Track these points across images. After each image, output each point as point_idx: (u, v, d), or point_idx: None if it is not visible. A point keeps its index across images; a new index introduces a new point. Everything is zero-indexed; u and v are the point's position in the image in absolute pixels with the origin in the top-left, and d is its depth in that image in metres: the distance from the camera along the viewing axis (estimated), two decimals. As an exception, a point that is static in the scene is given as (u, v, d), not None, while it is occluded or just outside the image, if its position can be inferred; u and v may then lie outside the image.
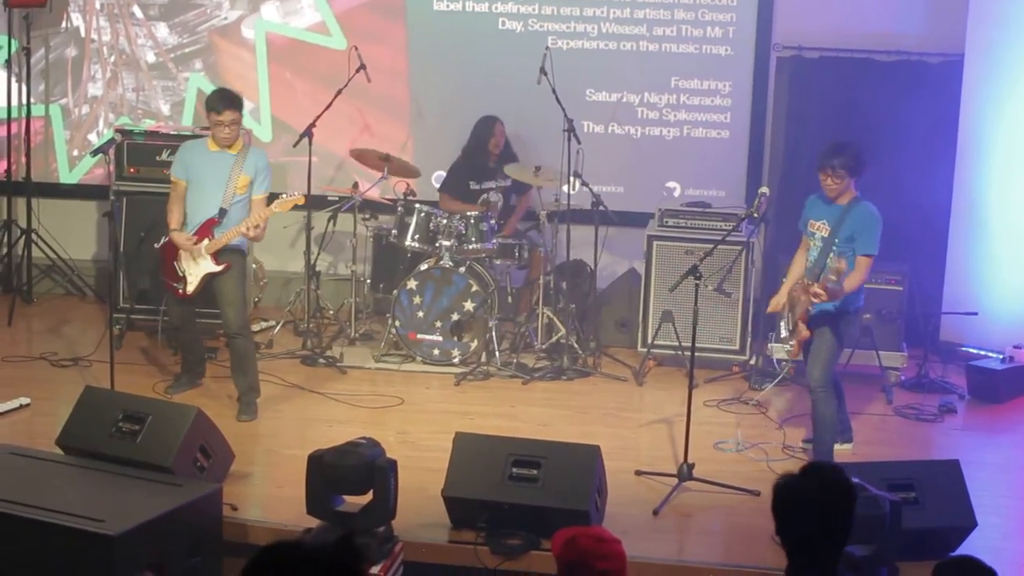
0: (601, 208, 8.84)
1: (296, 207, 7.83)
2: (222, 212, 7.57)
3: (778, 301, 7.10)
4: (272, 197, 7.79)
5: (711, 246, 7.32)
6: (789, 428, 7.77)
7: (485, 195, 9.12)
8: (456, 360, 8.71)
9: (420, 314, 8.72)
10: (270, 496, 6.61)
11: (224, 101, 7.57)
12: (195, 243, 7.58)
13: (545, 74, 8.69)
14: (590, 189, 8.80)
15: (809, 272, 6.97)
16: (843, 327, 7.00)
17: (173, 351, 8.60)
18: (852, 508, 3.95)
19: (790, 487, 3.99)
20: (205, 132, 8.23)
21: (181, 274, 7.67)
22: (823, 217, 6.98)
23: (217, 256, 7.59)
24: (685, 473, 6.75)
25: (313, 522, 5.92)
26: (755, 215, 6.73)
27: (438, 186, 9.67)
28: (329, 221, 9.21)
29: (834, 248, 6.87)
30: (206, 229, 7.59)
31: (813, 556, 3.93)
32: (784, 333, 7.14)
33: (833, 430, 7.07)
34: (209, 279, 7.63)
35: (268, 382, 8.24)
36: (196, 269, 7.63)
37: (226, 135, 7.57)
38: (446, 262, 8.68)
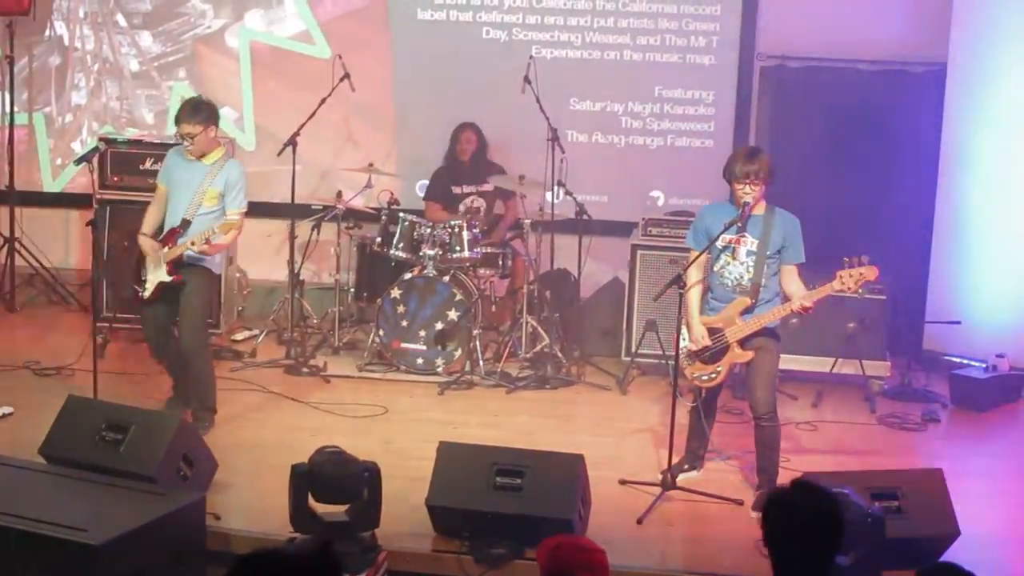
0: (585, 217, 8.85)
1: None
2: (185, 223, 7.40)
3: (703, 334, 6.75)
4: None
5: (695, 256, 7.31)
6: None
7: (468, 200, 9.15)
8: (440, 369, 8.70)
9: (404, 323, 8.71)
10: (253, 505, 6.58)
11: (184, 112, 7.42)
12: (156, 249, 7.47)
13: (529, 83, 8.71)
14: (574, 198, 8.81)
15: (738, 289, 6.71)
16: (780, 342, 6.86)
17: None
18: (841, 523, 3.95)
19: (779, 502, 3.99)
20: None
21: (143, 277, 7.54)
22: (741, 229, 6.69)
23: (173, 266, 7.40)
24: (669, 482, 6.76)
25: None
26: (738, 225, 6.71)
27: (423, 195, 9.70)
28: (313, 230, 9.19)
29: (767, 260, 6.67)
30: (170, 238, 7.44)
31: (800, 568, 3.92)
32: (690, 360, 6.81)
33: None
34: (165, 289, 7.45)
35: (251, 391, 8.24)
36: (153, 276, 7.48)
37: (187, 146, 7.44)
38: (430, 271, 8.67)
